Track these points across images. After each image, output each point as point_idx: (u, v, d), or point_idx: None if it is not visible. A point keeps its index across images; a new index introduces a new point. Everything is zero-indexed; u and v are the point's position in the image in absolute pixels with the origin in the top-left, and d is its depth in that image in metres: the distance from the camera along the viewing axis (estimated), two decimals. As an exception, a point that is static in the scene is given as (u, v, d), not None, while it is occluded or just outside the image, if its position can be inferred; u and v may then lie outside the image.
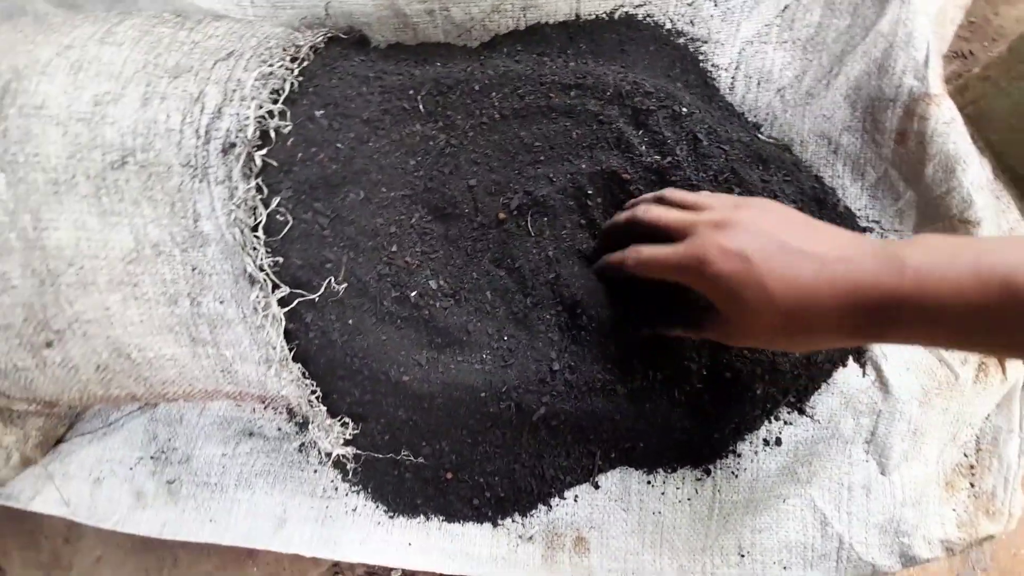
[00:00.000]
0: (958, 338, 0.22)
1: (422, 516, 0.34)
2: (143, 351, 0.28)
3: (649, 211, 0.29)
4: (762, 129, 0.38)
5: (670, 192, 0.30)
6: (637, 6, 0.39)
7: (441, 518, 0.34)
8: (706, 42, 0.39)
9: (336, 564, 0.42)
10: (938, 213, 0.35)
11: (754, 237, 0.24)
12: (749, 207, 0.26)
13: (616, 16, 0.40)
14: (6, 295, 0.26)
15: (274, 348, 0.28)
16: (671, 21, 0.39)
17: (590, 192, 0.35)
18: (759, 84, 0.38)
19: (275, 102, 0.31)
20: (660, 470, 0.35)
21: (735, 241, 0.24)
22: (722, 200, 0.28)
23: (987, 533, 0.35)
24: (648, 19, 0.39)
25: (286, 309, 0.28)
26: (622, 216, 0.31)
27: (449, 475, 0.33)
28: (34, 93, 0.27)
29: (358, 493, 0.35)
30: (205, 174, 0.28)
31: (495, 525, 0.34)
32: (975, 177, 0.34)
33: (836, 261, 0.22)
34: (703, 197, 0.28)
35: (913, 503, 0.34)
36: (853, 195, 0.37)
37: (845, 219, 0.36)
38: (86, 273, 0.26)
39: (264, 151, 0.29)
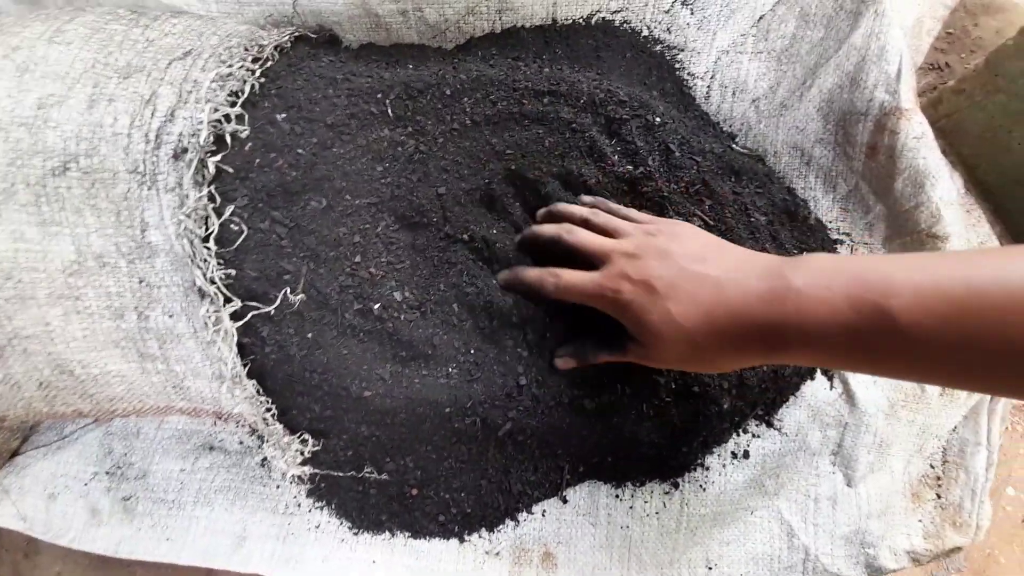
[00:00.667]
0: (840, 360, 0.22)
1: (387, 532, 0.34)
2: (87, 367, 0.27)
3: (573, 233, 0.30)
4: (737, 139, 0.38)
5: (593, 215, 0.31)
6: (614, 12, 0.39)
7: (407, 534, 0.34)
8: (682, 50, 0.38)
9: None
10: (907, 227, 0.35)
11: (660, 265, 0.25)
12: (660, 234, 0.27)
13: (593, 21, 0.39)
14: (-62, 308, 0.25)
15: (226, 364, 0.27)
16: (648, 28, 0.39)
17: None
18: (734, 94, 0.38)
19: (233, 105, 0.29)
20: (628, 484, 0.34)
21: (643, 271, 0.25)
22: (639, 227, 0.29)
23: (954, 544, 0.35)
24: (625, 25, 0.39)
25: (240, 323, 0.27)
26: (546, 231, 0.31)
27: (414, 491, 0.33)
28: (-28, 95, 0.25)
29: (321, 509, 0.34)
30: (154, 181, 0.26)
31: (462, 541, 0.34)
32: (944, 192, 0.35)
33: (729, 283, 0.24)
34: (622, 224, 0.29)
35: (879, 514, 0.35)
36: (825, 207, 0.37)
37: (816, 231, 0.36)
38: (24, 287, 0.25)
39: (218, 157, 0.28)
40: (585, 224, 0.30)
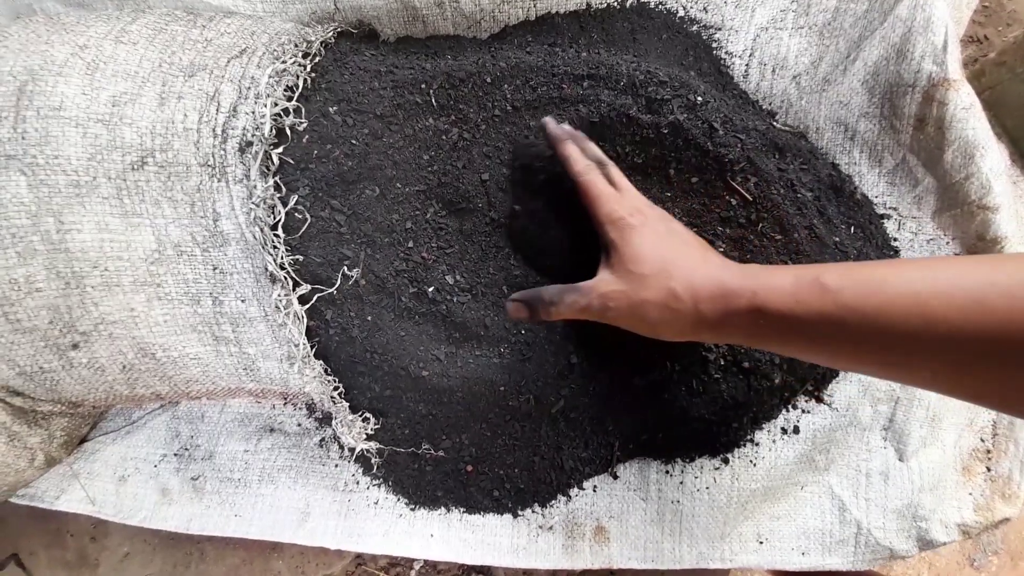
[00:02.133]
0: (779, 333, 0.25)
1: (443, 508, 0.35)
2: (167, 350, 0.28)
3: (593, 171, 0.31)
4: (777, 117, 0.38)
5: (612, 167, 0.32)
6: (649, -6, 0.39)
7: (462, 509, 0.35)
8: (719, 29, 0.38)
9: (359, 556, 0.43)
10: (956, 199, 0.35)
11: (662, 220, 0.29)
12: (655, 208, 0.30)
13: (628, 4, 0.39)
14: (31, 298, 0.26)
15: (296, 345, 0.28)
16: (684, 8, 0.39)
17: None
18: (774, 71, 0.37)
19: (290, 99, 0.31)
20: (678, 460, 0.35)
21: (660, 212, 0.29)
22: (639, 194, 0.31)
23: (1003, 516, 0.35)
24: (660, 6, 0.39)
25: (307, 306, 0.28)
26: (567, 148, 0.31)
27: (469, 467, 0.34)
28: (51, 94, 0.27)
29: (379, 486, 0.35)
30: (223, 173, 0.28)
31: (515, 516, 0.35)
32: (994, 163, 0.34)
33: (714, 257, 0.28)
34: (632, 188, 0.31)
35: (930, 488, 0.35)
36: (870, 182, 0.37)
37: (863, 206, 0.36)
38: (110, 275, 0.26)
39: (280, 149, 0.29)
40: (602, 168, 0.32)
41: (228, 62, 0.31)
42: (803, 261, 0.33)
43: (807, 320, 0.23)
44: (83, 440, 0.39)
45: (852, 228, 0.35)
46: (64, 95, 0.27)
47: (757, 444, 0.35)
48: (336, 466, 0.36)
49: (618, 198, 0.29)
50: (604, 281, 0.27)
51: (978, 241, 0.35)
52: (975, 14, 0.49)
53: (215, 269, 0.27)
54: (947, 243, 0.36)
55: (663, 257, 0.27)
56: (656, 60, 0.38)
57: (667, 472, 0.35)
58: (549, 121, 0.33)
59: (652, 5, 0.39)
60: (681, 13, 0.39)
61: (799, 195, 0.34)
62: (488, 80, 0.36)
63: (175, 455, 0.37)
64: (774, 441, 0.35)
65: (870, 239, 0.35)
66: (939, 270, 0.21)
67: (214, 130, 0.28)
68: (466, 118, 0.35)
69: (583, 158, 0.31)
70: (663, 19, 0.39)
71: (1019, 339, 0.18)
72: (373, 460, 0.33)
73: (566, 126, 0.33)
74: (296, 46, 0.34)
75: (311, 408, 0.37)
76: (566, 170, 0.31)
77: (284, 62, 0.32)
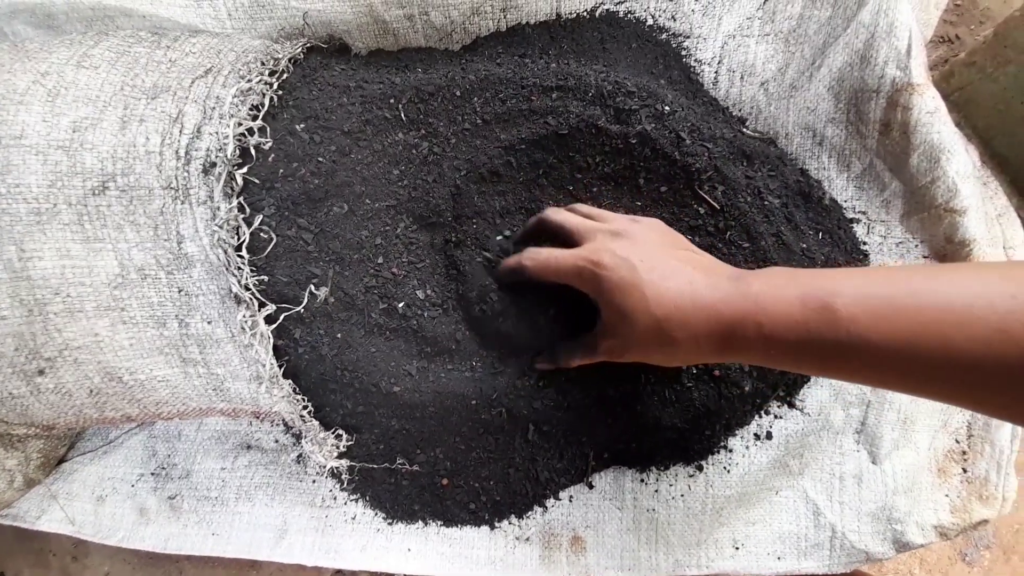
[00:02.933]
0: (791, 358, 0.24)
1: (420, 522, 0.35)
2: (134, 374, 0.28)
3: (558, 213, 0.31)
4: (747, 123, 0.38)
5: (578, 206, 0.32)
6: (618, 3, 0.39)
7: (439, 523, 0.35)
8: (688, 37, 0.38)
9: (339, 572, 0.43)
10: (924, 203, 0.35)
11: (642, 249, 0.26)
12: (641, 223, 0.29)
13: (597, 14, 0.39)
14: (-4, 324, 0.26)
15: (263, 366, 0.28)
16: (652, 17, 0.39)
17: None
18: (742, 78, 0.38)
19: (255, 118, 0.31)
20: (653, 468, 0.35)
21: (626, 250, 0.26)
22: (620, 216, 0.31)
23: (981, 518, 0.35)
24: (629, 16, 0.39)
25: (274, 326, 0.28)
26: (532, 221, 0.33)
27: (445, 481, 0.34)
28: (12, 123, 0.27)
29: (356, 501, 0.35)
30: (187, 195, 0.28)
31: (492, 528, 0.35)
32: (960, 166, 0.34)
33: (700, 280, 0.25)
34: (604, 212, 0.31)
35: (905, 490, 0.35)
36: (839, 187, 0.37)
37: (831, 212, 0.36)
38: (73, 301, 0.26)
39: (245, 169, 0.29)
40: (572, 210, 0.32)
41: (192, 82, 0.31)
42: (767, 266, 0.33)
43: (819, 348, 0.22)
44: (61, 461, 0.39)
45: (820, 234, 0.35)
46: (25, 123, 0.27)
47: (731, 451, 0.35)
48: (313, 482, 0.36)
49: (577, 256, 0.27)
50: (602, 334, 0.27)
51: (947, 244, 0.35)
52: (946, 13, 0.50)
53: (180, 291, 0.27)
54: (916, 246, 0.36)
55: (645, 299, 0.25)
56: (626, 69, 0.38)
57: (642, 481, 0.35)
58: (507, 268, 0.32)
59: (621, 14, 0.39)
60: (650, 22, 0.39)
61: (766, 202, 0.34)
62: (457, 93, 0.36)
63: (152, 474, 0.37)
64: (747, 447, 0.35)
65: (838, 244, 0.35)
66: (954, 292, 0.20)
67: (177, 152, 0.28)
68: (436, 132, 0.36)
69: (514, 256, 0.31)
70: (632, 28, 0.39)
71: None
72: (344, 477, 0.33)
73: (510, 262, 0.32)
74: (263, 64, 0.34)
75: (288, 424, 0.37)
76: (541, 227, 0.31)
77: (249, 80, 0.32)
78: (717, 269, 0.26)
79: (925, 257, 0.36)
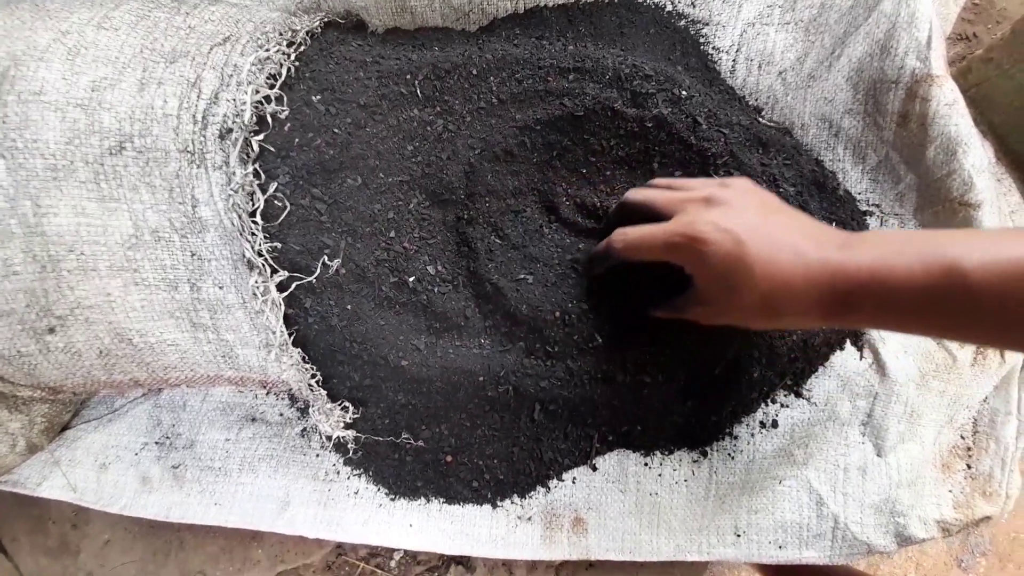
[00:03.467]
0: (907, 321, 0.23)
1: (423, 498, 0.35)
2: (144, 336, 0.28)
3: (638, 192, 0.29)
4: (763, 112, 0.38)
5: (657, 180, 0.31)
6: (636, -12, 0.39)
7: (441, 500, 0.35)
8: (707, 24, 0.38)
9: (339, 546, 0.43)
10: (938, 196, 0.35)
11: (742, 218, 0.25)
12: (733, 187, 0.27)
13: (616, -2, 0.39)
14: (8, 281, 0.26)
15: (274, 333, 0.28)
16: (672, 3, 0.39)
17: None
18: (760, 67, 0.38)
19: (272, 87, 0.31)
20: (657, 452, 0.35)
21: (727, 220, 0.24)
22: (706, 180, 0.28)
23: (984, 514, 0.35)
24: (648, 1, 0.39)
25: (285, 294, 0.28)
26: (612, 210, 0.32)
27: (449, 458, 0.34)
28: (32, 79, 0.27)
29: (359, 476, 0.35)
30: (203, 160, 0.28)
31: (494, 507, 0.35)
32: (976, 159, 0.34)
33: (809, 249, 0.23)
34: (688, 179, 0.29)
35: (909, 484, 0.35)
36: (854, 178, 0.37)
37: (845, 203, 0.36)
38: (87, 259, 0.26)
39: (261, 136, 0.29)
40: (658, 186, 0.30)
41: (211, 49, 0.31)
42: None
43: (946, 312, 0.21)
44: (65, 428, 0.39)
45: (834, 224, 0.35)
46: (45, 80, 0.27)
47: (736, 438, 0.35)
48: (317, 456, 0.36)
49: (669, 229, 0.26)
50: (696, 301, 0.26)
51: (960, 238, 0.35)
52: (964, 11, 0.49)
53: (193, 255, 0.27)
54: (929, 240, 0.36)
55: (751, 281, 0.23)
56: (643, 54, 0.38)
57: (646, 464, 0.35)
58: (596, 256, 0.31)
59: (640, -1, 0.39)
60: (669, 8, 0.39)
61: (780, 190, 0.34)
62: (474, 72, 0.36)
63: (156, 443, 0.37)
64: (752, 435, 0.35)
65: (851, 235, 0.35)
66: None
67: (194, 116, 0.28)
68: (451, 109, 0.35)
69: (600, 248, 0.29)
70: (651, 13, 0.39)
71: None
72: (350, 446, 0.33)
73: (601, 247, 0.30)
74: (281, 35, 0.34)
75: (293, 398, 0.37)
76: (628, 209, 0.30)
77: (267, 50, 0.32)
78: (823, 235, 0.24)
79: None
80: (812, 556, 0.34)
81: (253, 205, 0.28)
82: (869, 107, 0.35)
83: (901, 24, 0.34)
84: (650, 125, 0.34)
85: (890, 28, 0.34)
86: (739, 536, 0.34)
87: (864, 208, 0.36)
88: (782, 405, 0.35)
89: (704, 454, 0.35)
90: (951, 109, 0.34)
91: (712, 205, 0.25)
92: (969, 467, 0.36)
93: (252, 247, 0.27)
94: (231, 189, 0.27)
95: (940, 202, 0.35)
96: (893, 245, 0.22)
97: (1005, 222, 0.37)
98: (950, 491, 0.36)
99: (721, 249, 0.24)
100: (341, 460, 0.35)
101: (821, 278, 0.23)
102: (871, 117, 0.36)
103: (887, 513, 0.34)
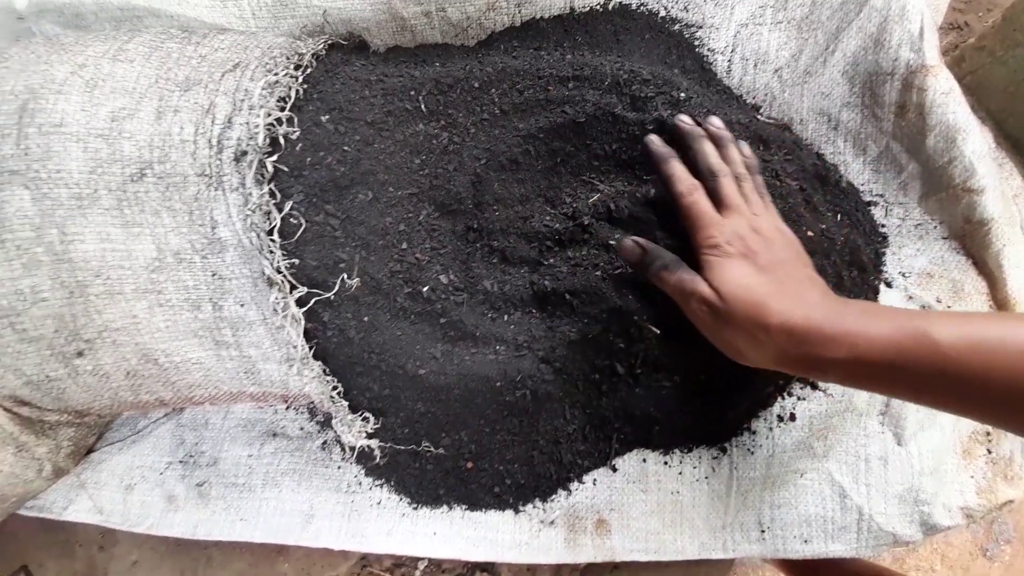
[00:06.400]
0: (882, 381, 0.25)
1: (445, 506, 0.35)
2: (170, 356, 0.29)
3: (727, 183, 0.30)
4: (761, 110, 0.39)
5: (746, 182, 0.31)
6: (630, -5, 0.40)
7: (464, 507, 0.35)
8: (701, 27, 0.39)
9: (364, 557, 0.43)
10: (941, 183, 0.35)
11: (765, 248, 0.27)
12: (783, 234, 0.29)
13: (610, 7, 0.40)
14: (36, 308, 0.27)
15: (295, 347, 0.28)
16: (665, 8, 0.40)
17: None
18: (756, 66, 0.38)
19: (282, 109, 0.31)
20: (676, 450, 0.35)
21: (758, 245, 0.27)
22: (769, 216, 0.29)
23: (1007, 498, 0.35)
24: (642, 8, 0.40)
25: (304, 309, 0.29)
26: (705, 159, 0.31)
27: (469, 464, 0.34)
28: (52, 111, 0.28)
29: (382, 487, 0.36)
30: (220, 182, 0.29)
31: (516, 511, 0.35)
32: (976, 146, 0.35)
33: (807, 290, 0.26)
34: (761, 206, 0.30)
35: (931, 472, 0.35)
36: (856, 170, 0.37)
37: (849, 195, 0.36)
38: (113, 283, 0.27)
39: (274, 157, 0.30)
40: (738, 180, 0.30)
41: (222, 76, 0.32)
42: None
43: (914, 373, 0.23)
44: (90, 451, 0.40)
45: (839, 216, 0.35)
46: (64, 112, 0.28)
47: (754, 432, 0.35)
48: (339, 468, 0.36)
49: (719, 222, 0.28)
50: (711, 290, 0.27)
51: (965, 224, 0.36)
52: (955, 1, 0.50)
53: (214, 275, 0.28)
54: (935, 227, 0.37)
55: (752, 292, 0.26)
56: (640, 60, 0.39)
57: (666, 463, 0.35)
58: (652, 140, 0.32)
59: (634, 6, 0.40)
60: (663, 13, 0.40)
61: (783, 184, 0.34)
62: (476, 85, 0.37)
63: (180, 462, 0.37)
64: (771, 429, 0.35)
65: (857, 226, 0.35)
66: None
67: (210, 141, 0.29)
68: (455, 122, 0.36)
69: (687, 178, 0.30)
70: (645, 20, 0.40)
71: None
72: (375, 454, 0.33)
73: (667, 146, 0.32)
74: (288, 59, 0.35)
75: (312, 412, 0.38)
76: (668, 191, 0.30)
77: (276, 74, 0.33)
78: (829, 294, 0.27)
79: (944, 239, 0.37)
80: (838, 549, 0.34)
81: (270, 224, 0.29)
82: (866, 100, 0.36)
83: (892, 17, 0.35)
84: (651, 128, 0.35)
85: (882, 22, 0.35)
86: (764, 532, 0.34)
87: (868, 199, 0.37)
88: (799, 398, 0.35)
89: (723, 450, 0.35)
90: (947, 97, 0.34)
91: (751, 233, 0.28)
92: (989, 452, 0.36)
93: (271, 264, 0.28)
94: (248, 209, 0.28)
95: (943, 189, 0.35)
96: (875, 309, 0.25)
97: (1008, 207, 0.37)
98: (972, 477, 0.36)
99: (738, 259, 0.27)
100: (363, 471, 0.36)
101: (812, 320, 0.25)
102: (869, 109, 0.36)
103: (911, 502, 0.34)
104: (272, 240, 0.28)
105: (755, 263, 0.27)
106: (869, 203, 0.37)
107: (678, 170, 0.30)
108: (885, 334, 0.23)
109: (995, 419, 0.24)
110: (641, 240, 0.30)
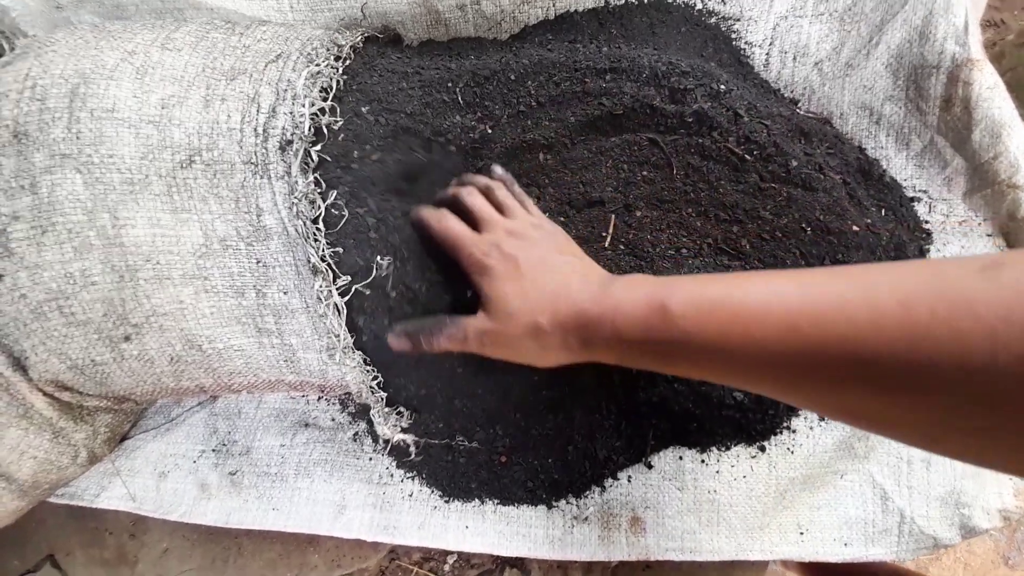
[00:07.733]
0: (638, 356, 0.24)
1: (477, 500, 0.35)
2: (213, 342, 0.29)
3: (473, 196, 0.31)
4: (799, 104, 0.38)
5: (496, 188, 0.32)
6: (666, -11, 0.39)
7: (496, 501, 0.35)
8: (738, 20, 0.39)
9: (393, 550, 0.43)
10: (986, 179, 0.35)
11: (529, 250, 0.28)
12: (540, 228, 0.30)
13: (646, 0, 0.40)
14: (86, 291, 0.27)
15: (336, 336, 0.28)
16: (702, 1, 0.39)
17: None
18: (795, 59, 0.38)
19: (325, 99, 0.32)
20: (714, 448, 0.35)
21: (514, 249, 0.28)
22: (527, 216, 0.31)
23: (1048, 502, 0.34)
24: (678, 0, 0.40)
25: (347, 297, 0.29)
26: (450, 190, 0.32)
27: (503, 458, 0.34)
28: (104, 96, 0.28)
29: (413, 479, 0.35)
30: (266, 170, 0.29)
31: (550, 507, 0.35)
32: (1021, 141, 0.34)
33: (575, 283, 0.26)
34: (515, 207, 0.31)
35: (972, 474, 0.34)
36: (898, 166, 0.36)
37: (892, 189, 0.36)
38: (162, 268, 0.27)
39: (318, 146, 0.30)
40: (487, 192, 0.32)
41: (266, 66, 0.32)
42: (832, 242, 0.33)
43: (656, 345, 0.23)
44: (124, 438, 0.40)
45: (883, 210, 0.35)
46: (116, 97, 0.28)
47: (794, 431, 0.34)
48: (370, 459, 0.36)
49: (473, 240, 0.28)
50: (479, 318, 0.27)
51: (1010, 220, 0.35)
52: (992, -1, 0.49)
53: (258, 263, 0.28)
54: (979, 224, 0.36)
55: (524, 292, 0.26)
56: (676, 53, 0.39)
57: (703, 461, 0.35)
58: (420, 215, 0.30)
59: None
60: (699, 5, 0.40)
61: (827, 178, 0.34)
62: (512, 77, 0.36)
63: (213, 451, 0.38)
64: (811, 428, 0.34)
65: (902, 221, 0.35)
66: (757, 291, 0.21)
67: (255, 130, 0.29)
68: (492, 114, 0.36)
69: (434, 211, 0.30)
70: (681, 12, 0.40)
71: (831, 360, 0.18)
72: (411, 449, 0.33)
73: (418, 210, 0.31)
74: (328, 50, 0.35)
75: (344, 403, 0.38)
76: (429, 234, 0.30)
77: (318, 65, 0.33)
78: (591, 274, 0.27)
79: (989, 235, 0.36)
80: (878, 553, 0.33)
81: (315, 212, 0.29)
82: (911, 93, 0.35)
83: (938, 10, 0.34)
84: (690, 120, 0.35)
85: (927, 15, 0.34)
86: (802, 534, 0.34)
87: (911, 194, 0.36)
88: (839, 396, 0.35)
89: (762, 449, 0.34)
90: (993, 92, 0.34)
91: (512, 235, 0.28)
92: (1035, 456, 0.35)
93: (316, 252, 0.28)
94: (294, 197, 0.28)
95: (988, 185, 0.35)
96: (638, 283, 0.25)
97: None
98: (1010, 479, 0.35)
99: (498, 268, 0.27)
100: (394, 463, 0.36)
101: (578, 304, 0.25)
102: (913, 103, 0.36)
103: (952, 505, 0.33)
104: (317, 228, 0.28)
105: (517, 267, 0.27)
106: (912, 199, 0.36)
107: (424, 212, 0.30)
108: (635, 308, 0.23)
109: (767, 390, 0.22)
110: (398, 327, 0.29)
